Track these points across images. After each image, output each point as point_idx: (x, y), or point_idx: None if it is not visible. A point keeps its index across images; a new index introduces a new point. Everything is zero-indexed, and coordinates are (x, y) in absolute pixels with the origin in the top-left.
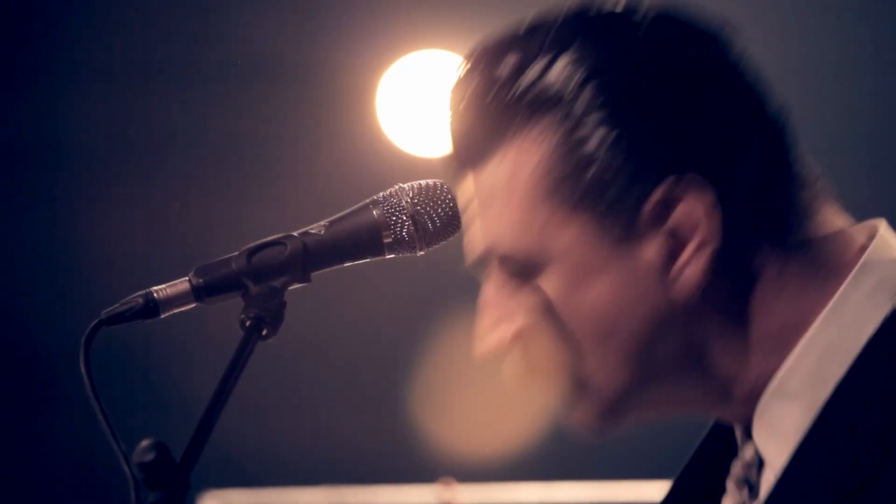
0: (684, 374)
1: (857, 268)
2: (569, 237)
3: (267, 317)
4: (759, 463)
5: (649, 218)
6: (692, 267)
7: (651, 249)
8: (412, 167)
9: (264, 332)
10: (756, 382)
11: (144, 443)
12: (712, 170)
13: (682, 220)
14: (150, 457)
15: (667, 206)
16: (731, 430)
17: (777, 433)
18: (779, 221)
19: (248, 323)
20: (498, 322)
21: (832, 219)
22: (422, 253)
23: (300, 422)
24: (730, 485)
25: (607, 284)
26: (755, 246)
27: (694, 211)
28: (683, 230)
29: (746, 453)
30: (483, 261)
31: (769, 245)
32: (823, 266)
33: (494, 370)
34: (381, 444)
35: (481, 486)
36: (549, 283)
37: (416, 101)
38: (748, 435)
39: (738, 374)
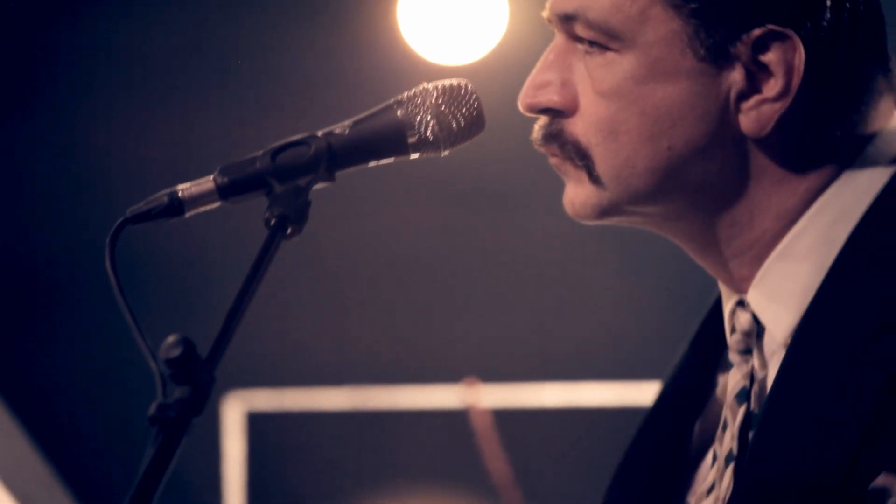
0: (701, 201)
1: (877, 138)
2: (661, 33)
3: (291, 215)
4: (759, 332)
5: (743, 49)
6: (769, 106)
7: (736, 75)
8: (434, 75)
9: (289, 231)
10: (761, 238)
11: (171, 338)
12: (811, 38)
13: (776, 63)
14: (176, 352)
15: (763, 46)
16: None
17: (780, 296)
18: (848, 108)
19: (272, 221)
20: (548, 83)
21: (889, 114)
22: (446, 153)
23: (324, 322)
24: (733, 357)
25: (681, 90)
26: (819, 122)
27: (789, 58)
28: (772, 71)
29: (741, 323)
30: (566, 17)
31: (832, 124)
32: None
33: (517, 269)
34: (404, 345)
35: (505, 386)
36: (623, 66)
37: (437, 9)
38: (740, 304)
39: (749, 225)
